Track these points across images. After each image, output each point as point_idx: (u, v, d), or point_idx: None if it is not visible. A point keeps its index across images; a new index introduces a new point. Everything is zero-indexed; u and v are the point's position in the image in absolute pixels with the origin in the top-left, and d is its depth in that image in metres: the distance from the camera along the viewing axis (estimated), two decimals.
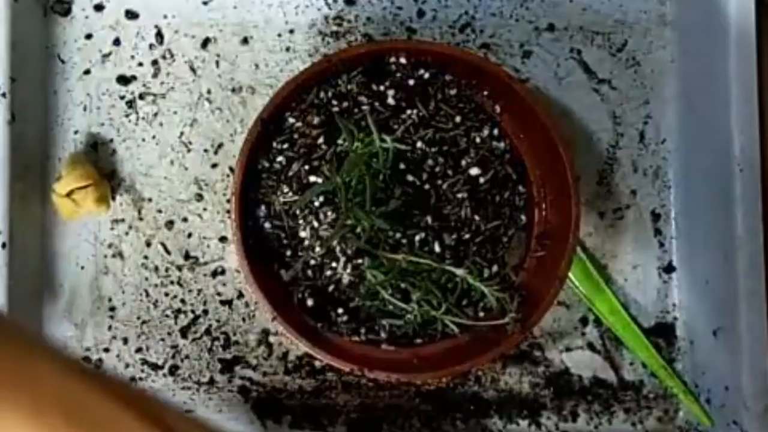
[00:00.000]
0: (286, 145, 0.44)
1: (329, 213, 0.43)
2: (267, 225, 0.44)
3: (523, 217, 0.46)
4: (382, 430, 0.49)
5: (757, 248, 0.45)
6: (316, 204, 0.43)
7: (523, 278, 0.45)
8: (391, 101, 0.44)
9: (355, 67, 0.44)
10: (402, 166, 0.43)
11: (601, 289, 0.50)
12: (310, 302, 0.44)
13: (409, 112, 0.44)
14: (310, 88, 0.44)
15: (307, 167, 0.43)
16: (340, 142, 0.43)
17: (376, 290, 0.42)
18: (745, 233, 0.45)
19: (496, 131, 0.46)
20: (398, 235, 0.43)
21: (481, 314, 0.44)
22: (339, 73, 0.44)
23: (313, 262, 0.44)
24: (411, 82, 0.45)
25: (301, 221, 0.44)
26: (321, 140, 0.44)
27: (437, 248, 0.44)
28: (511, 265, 0.45)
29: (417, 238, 0.43)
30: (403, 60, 0.45)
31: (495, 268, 0.45)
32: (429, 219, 0.44)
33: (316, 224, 0.43)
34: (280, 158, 0.44)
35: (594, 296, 0.49)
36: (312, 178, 0.43)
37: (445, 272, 0.42)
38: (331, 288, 0.44)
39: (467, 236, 0.44)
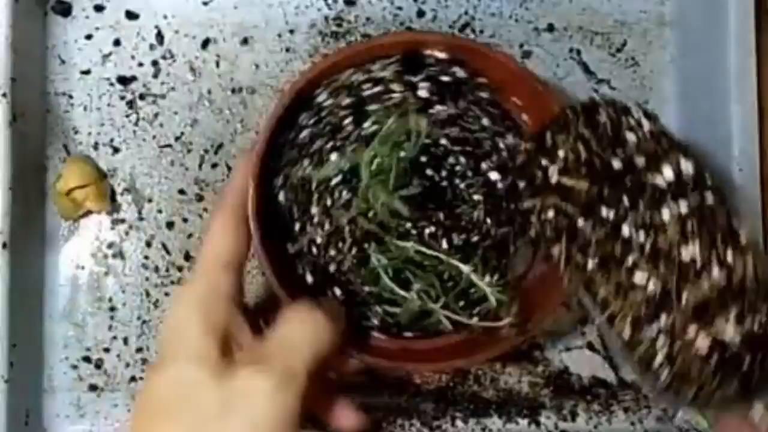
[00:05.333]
0: (312, 121, 0.43)
1: (344, 193, 0.43)
2: (281, 196, 0.44)
3: None
4: (382, 430, 0.49)
5: (758, 246, 0.45)
6: (333, 182, 0.43)
7: (525, 287, 0.45)
8: (423, 93, 0.44)
9: (392, 55, 0.44)
10: (423, 159, 0.43)
11: None
12: (309, 278, 0.44)
13: (438, 107, 0.44)
14: (343, 69, 0.44)
15: (330, 145, 0.43)
16: (366, 125, 0.43)
17: (378, 275, 0.42)
18: (745, 231, 0.45)
19: (520, 140, 0.45)
20: (409, 225, 0.43)
21: (476, 317, 0.43)
22: (374, 59, 0.44)
23: (319, 240, 0.43)
24: (445, 78, 0.44)
25: (315, 197, 0.43)
26: (348, 121, 0.43)
27: (444, 245, 0.43)
28: (515, 274, 0.45)
29: (427, 231, 0.43)
30: (440, 55, 0.44)
31: (498, 273, 0.44)
32: (441, 215, 0.44)
33: (329, 202, 0.43)
34: (304, 133, 0.43)
35: None
36: (333, 157, 0.43)
37: (450, 267, 0.42)
38: (332, 268, 0.43)
39: (476, 238, 0.44)
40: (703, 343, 0.32)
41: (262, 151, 0.41)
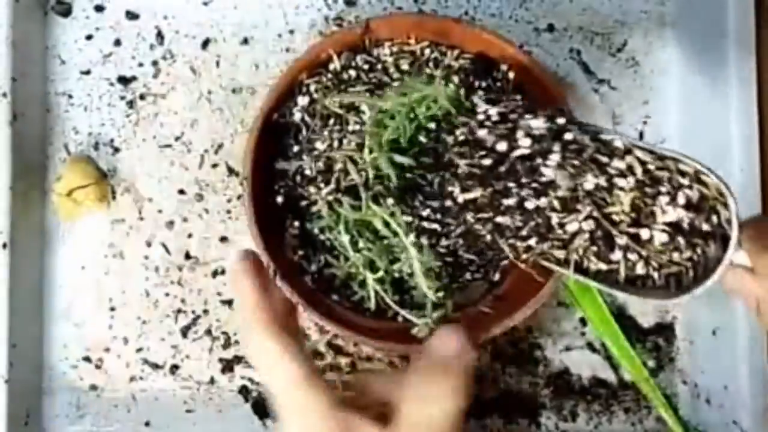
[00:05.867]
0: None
1: (354, 128, 0.42)
2: (296, 115, 0.44)
3: None
4: None
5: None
6: (350, 116, 0.43)
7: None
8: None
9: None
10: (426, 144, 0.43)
11: (594, 297, 0.50)
12: (280, 199, 0.44)
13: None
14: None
15: (364, 87, 0.43)
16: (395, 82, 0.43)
17: (338, 224, 0.41)
18: None
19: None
20: (391, 201, 0.42)
21: (403, 308, 0.43)
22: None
23: (308, 170, 0.43)
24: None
25: (330, 121, 0.43)
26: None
27: (412, 237, 0.42)
28: (466, 298, 0.45)
29: (403, 217, 0.42)
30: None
31: (445, 282, 0.44)
32: (425, 212, 0.43)
33: (336, 135, 0.43)
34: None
35: (586, 304, 0.49)
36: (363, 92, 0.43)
37: (405, 254, 0.41)
38: (304, 202, 0.43)
39: (443, 249, 0.43)
40: (659, 235, 0.35)
41: (259, 131, 0.41)
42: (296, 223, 0.44)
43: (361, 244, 0.41)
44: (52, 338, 0.49)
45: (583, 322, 0.50)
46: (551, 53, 0.51)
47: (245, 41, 0.50)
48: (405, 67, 0.44)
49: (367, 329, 0.43)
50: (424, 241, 0.42)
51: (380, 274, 0.41)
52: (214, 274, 0.49)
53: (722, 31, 0.47)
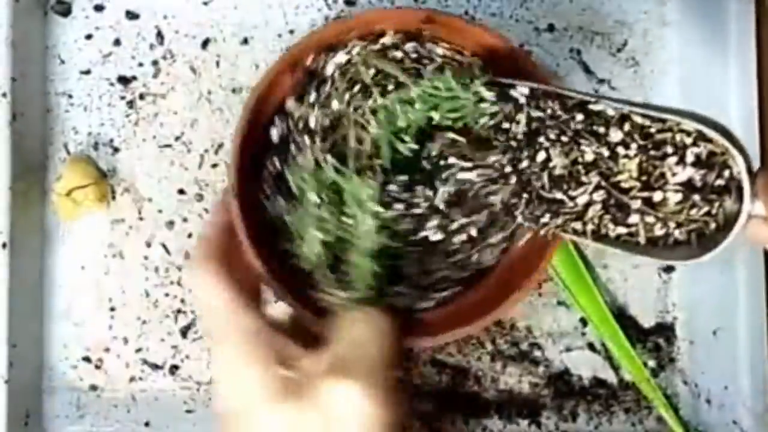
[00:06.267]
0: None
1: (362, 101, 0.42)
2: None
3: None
4: None
5: (757, 249, 0.45)
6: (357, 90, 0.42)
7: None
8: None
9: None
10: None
11: (594, 297, 0.50)
12: (275, 137, 0.43)
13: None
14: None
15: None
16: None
17: (313, 185, 0.41)
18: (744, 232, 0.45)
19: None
20: (381, 179, 0.41)
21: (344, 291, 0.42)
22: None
23: (301, 124, 0.42)
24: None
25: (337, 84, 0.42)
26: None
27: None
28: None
29: (393, 203, 0.42)
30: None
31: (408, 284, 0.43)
32: (418, 200, 0.42)
33: (343, 89, 0.42)
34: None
35: (587, 304, 0.49)
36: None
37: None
38: (289, 159, 0.43)
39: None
40: (673, 195, 0.35)
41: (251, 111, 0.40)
42: (277, 164, 0.42)
43: (323, 208, 0.41)
44: (52, 338, 0.49)
45: (583, 322, 0.50)
46: (551, 53, 0.51)
47: (245, 41, 0.50)
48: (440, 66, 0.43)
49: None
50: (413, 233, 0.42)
51: (328, 238, 0.40)
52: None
53: (722, 31, 0.47)
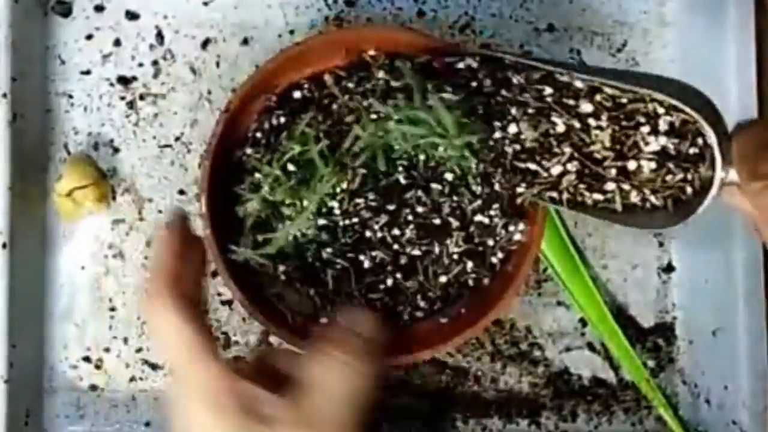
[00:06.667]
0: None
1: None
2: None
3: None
4: (382, 430, 0.49)
5: (756, 248, 0.46)
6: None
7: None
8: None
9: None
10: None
11: (594, 297, 0.50)
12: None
13: None
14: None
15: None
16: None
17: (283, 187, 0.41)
18: (744, 232, 0.45)
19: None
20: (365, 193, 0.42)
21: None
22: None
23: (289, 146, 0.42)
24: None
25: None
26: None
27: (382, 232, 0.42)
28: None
29: (364, 212, 0.42)
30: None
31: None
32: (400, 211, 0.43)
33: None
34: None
35: (586, 304, 0.49)
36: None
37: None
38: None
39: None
40: (647, 164, 0.35)
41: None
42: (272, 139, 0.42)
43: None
44: (52, 338, 0.49)
45: (583, 322, 0.50)
46: (551, 53, 0.51)
47: (245, 41, 0.50)
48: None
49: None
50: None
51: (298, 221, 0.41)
52: (214, 274, 0.49)
53: (722, 32, 0.47)
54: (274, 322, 0.41)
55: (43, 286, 0.49)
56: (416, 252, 0.42)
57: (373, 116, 0.41)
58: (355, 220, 0.42)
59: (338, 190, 0.41)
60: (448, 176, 0.41)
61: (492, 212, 0.42)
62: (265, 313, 0.41)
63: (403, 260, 0.42)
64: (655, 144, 0.34)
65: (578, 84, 0.36)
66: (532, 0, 0.51)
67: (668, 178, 0.34)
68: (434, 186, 0.42)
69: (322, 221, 0.41)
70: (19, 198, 0.46)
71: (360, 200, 0.41)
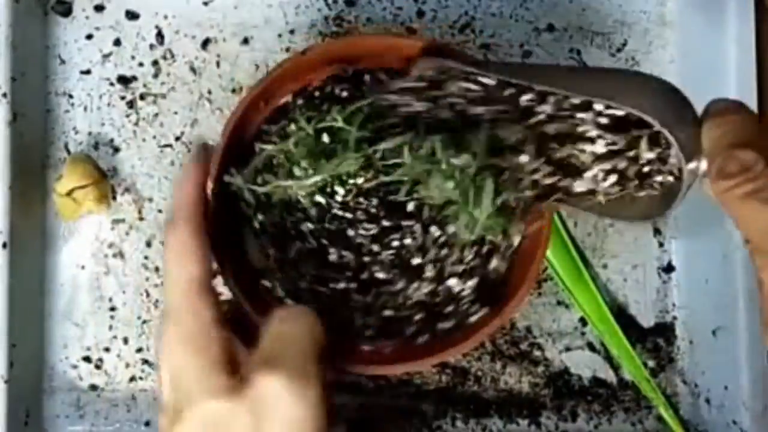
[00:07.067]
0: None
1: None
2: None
3: None
4: (382, 431, 0.49)
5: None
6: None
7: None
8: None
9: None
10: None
11: (594, 297, 0.50)
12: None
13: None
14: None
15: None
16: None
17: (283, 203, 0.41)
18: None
19: None
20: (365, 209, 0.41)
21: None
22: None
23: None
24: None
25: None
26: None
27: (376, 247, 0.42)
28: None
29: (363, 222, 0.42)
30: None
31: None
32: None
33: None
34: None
35: (586, 303, 0.49)
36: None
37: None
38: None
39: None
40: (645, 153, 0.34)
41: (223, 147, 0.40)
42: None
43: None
44: (52, 338, 0.49)
45: (583, 322, 0.50)
46: (551, 53, 0.51)
47: (245, 41, 0.50)
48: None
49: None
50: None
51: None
52: (214, 274, 0.49)
53: (723, 31, 0.47)
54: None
55: (43, 285, 0.49)
56: (380, 275, 0.41)
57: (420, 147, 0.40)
58: (348, 215, 0.41)
59: (350, 180, 0.41)
60: (450, 228, 0.41)
61: (469, 283, 0.41)
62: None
63: (364, 275, 0.41)
64: (600, 145, 0.35)
65: (523, 100, 0.36)
66: (532, 0, 0.51)
67: (645, 169, 0.34)
68: (432, 229, 0.41)
69: (319, 198, 0.41)
70: (19, 198, 0.46)
71: (363, 201, 0.41)
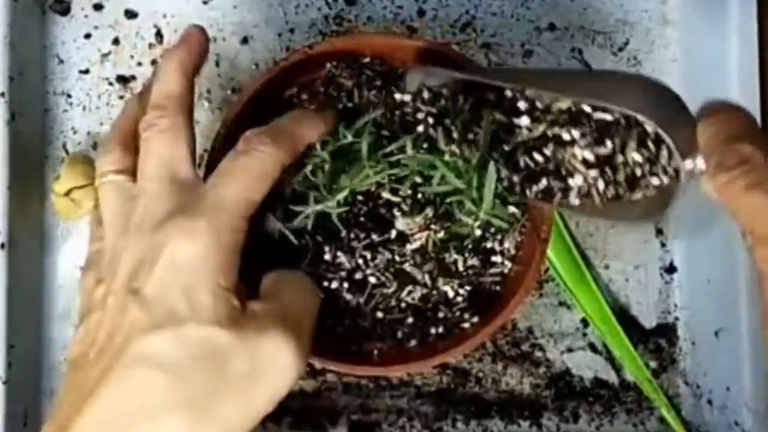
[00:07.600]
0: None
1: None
2: None
3: None
4: (382, 431, 0.49)
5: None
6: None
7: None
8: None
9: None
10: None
11: (596, 297, 0.49)
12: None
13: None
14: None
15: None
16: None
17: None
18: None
19: None
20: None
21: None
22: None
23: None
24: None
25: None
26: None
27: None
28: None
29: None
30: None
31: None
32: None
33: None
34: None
35: (588, 304, 0.49)
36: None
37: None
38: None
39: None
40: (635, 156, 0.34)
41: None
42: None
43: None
44: (51, 339, 0.49)
45: (584, 322, 0.50)
46: (553, 52, 0.51)
47: (245, 40, 0.50)
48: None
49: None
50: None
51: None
52: None
53: (725, 30, 0.47)
54: None
55: (41, 286, 0.49)
56: (372, 279, 0.41)
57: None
58: (354, 209, 0.41)
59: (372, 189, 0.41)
60: (449, 229, 0.41)
61: (461, 291, 0.41)
62: None
63: (357, 275, 0.41)
64: (589, 152, 0.35)
65: (520, 104, 0.37)
66: None
67: (638, 171, 0.34)
68: (428, 234, 0.41)
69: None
70: (17, 198, 0.46)
71: (361, 206, 0.41)
